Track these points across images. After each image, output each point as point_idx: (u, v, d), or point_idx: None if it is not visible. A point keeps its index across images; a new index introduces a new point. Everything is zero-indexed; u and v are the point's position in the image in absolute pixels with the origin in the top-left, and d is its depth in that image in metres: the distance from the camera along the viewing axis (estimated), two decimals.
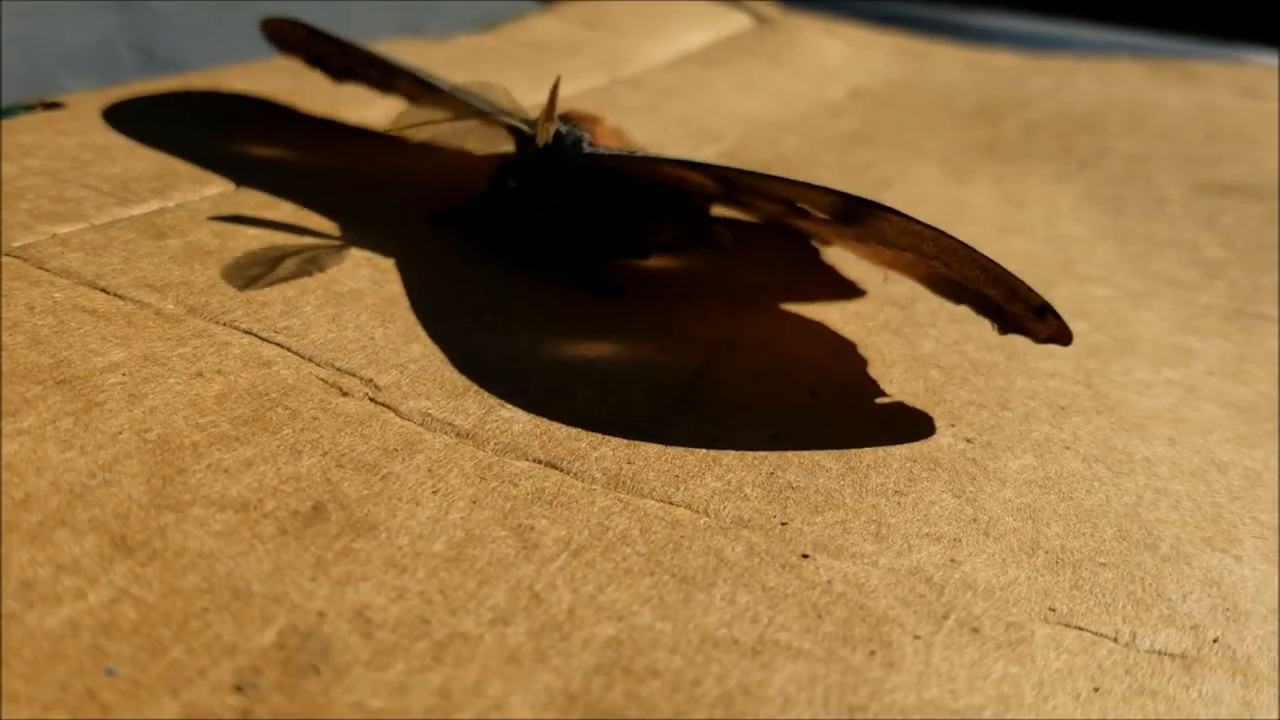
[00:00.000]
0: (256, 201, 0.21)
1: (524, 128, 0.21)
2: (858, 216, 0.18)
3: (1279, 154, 0.35)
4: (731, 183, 0.20)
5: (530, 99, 0.23)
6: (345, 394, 0.16)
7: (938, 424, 0.18)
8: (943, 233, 0.17)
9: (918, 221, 0.18)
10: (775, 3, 0.48)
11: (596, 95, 0.33)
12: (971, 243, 0.17)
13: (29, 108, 0.24)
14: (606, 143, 0.22)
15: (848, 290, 0.22)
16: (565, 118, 0.21)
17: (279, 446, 0.14)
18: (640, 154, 0.21)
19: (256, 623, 0.12)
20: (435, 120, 0.20)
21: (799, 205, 0.19)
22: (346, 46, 0.24)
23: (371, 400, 0.16)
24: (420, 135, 0.20)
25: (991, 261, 0.17)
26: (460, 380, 0.17)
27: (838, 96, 0.39)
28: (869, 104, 0.38)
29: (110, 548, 0.12)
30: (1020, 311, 0.17)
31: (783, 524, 0.15)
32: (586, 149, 0.20)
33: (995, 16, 0.52)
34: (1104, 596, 0.14)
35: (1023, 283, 0.17)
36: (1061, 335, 0.17)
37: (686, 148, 0.30)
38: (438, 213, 0.22)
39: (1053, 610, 0.14)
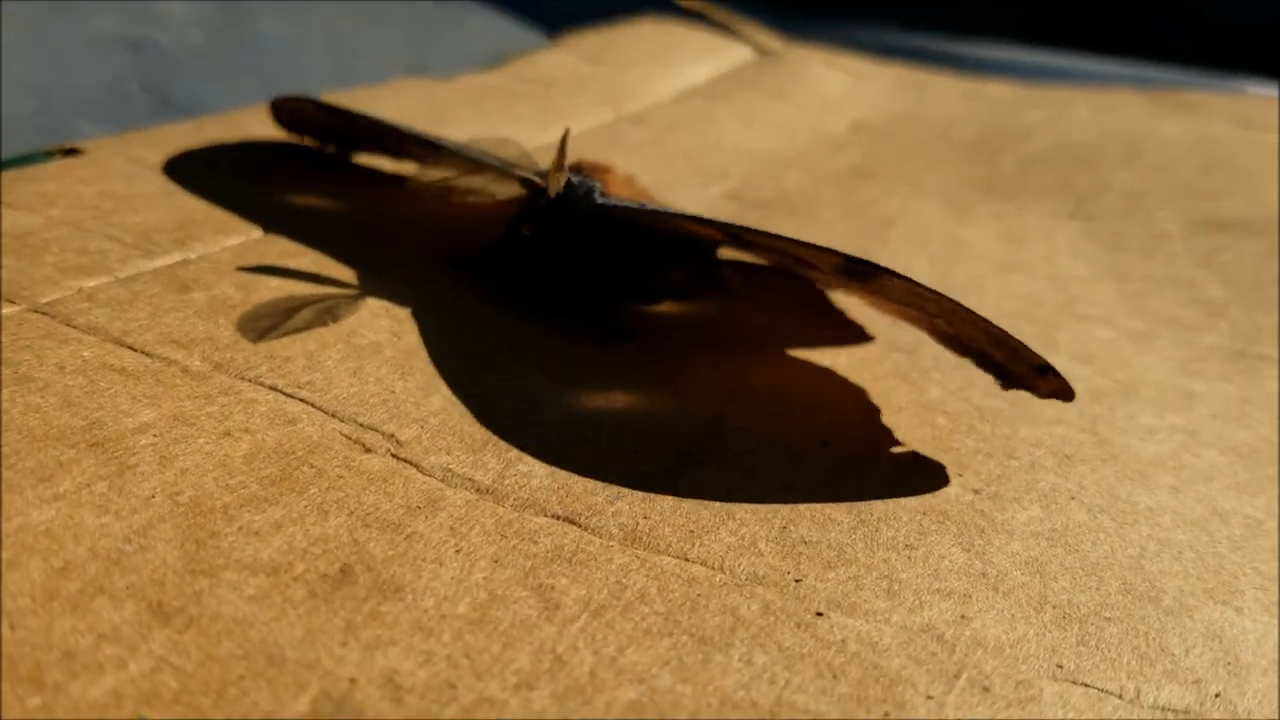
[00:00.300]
0: (277, 251, 0.21)
1: (537, 180, 0.21)
2: (862, 276, 0.19)
3: (1276, 187, 0.36)
4: (740, 240, 0.21)
5: (539, 138, 0.24)
6: (368, 450, 0.16)
7: (946, 474, 0.18)
8: (944, 296, 0.18)
9: (920, 285, 0.18)
10: (777, 35, 0.49)
11: (602, 132, 0.34)
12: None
13: (48, 154, 0.25)
14: (618, 191, 0.22)
15: (855, 334, 0.23)
16: (577, 168, 0.22)
17: (306, 507, 0.15)
18: (651, 208, 0.21)
19: (291, 690, 0.12)
20: (452, 177, 0.21)
21: (806, 260, 0.20)
22: (356, 118, 0.24)
23: (394, 456, 0.16)
24: (436, 191, 0.21)
25: (993, 325, 0.18)
26: (479, 433, 0.17)
27: (839, 129, 0.39)
28: (870, 137, 0.39)
29: (149, 615, 0.12)
30: (1022, 371, 0.18)
31: (796, 580, 0.15)
32: (598, 199, 0.21)
33: (992, 47, 0.53)
34: (1109, 652, 0.15)
35: (1024, 345, 0.18)
36: (1063, 393, 0.18)
37: (692, 186, 0.31)
38: (454, 259, 0.22)
39: (1060, 667, 0.14)
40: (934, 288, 0.18)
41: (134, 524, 0.14)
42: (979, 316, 0.18)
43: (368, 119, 0.24)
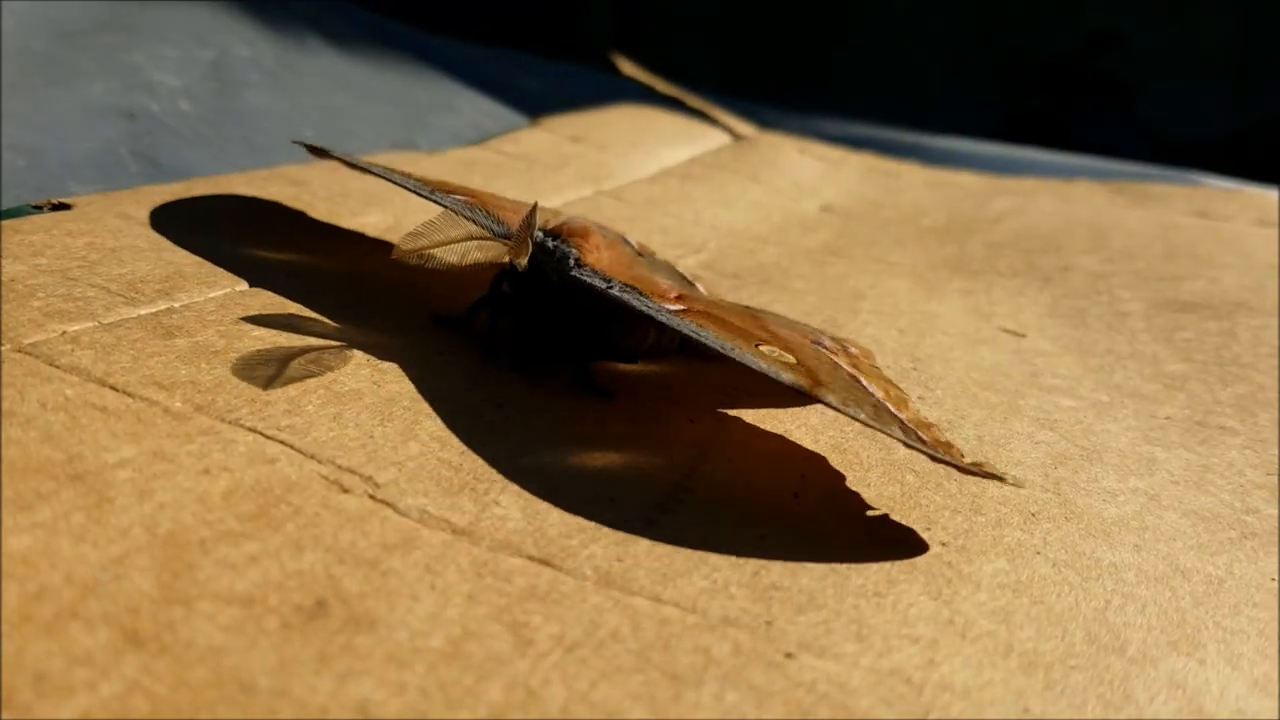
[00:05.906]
0: (261, 303, 0.22)
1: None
2: (806, 398, 0.19)
3: (1234, 272, 0.37)
4: (692, 348, 0.21)
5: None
6: (346, 491, 0.16)
7: (914, 527, 0.18)
8: (876, 427, 0.18)
9: (849, 414, 0.19)
10: (750, 123, 0.51)
11: (582, 206, 0.35)
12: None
13: (37, 208, 0.25)
14: (597, 256, 0.23)
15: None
16: (556, 233, 0.23)
17: (283, 542, 0.15)
18: (616, 293, 0.21)
19: (263, 716, 0.12)
20: (433, 245, 0.21)
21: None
22: (375, 174, 0.25)
23: (371, 497, 0.16)
24: (418, 259, 0.21)
25: (924, 443, 0.19)
26: (456, 478, 0.17)
27: (811, 211, 0.40)
28: (841, 219, 0.40)
29: (122, 640, 0.12)
30: (958, 466, 0.19)
31: (768, 623, 0.15)
32: (572, 268, 0.21)
33: (957, 140, 0.55)
34: (1075, 698, 0.15)
35: (951, 453, 0.19)
36: (993, 478, 0.18)
37: (669, 256, 0.31)
38: (438, 316, 0.23)
39: (1027, 711, 0.14)
40: (864, 420, 0.18)
41: (111, 553, 0.14)
42: (913, 439, 0.18)
43: (389, 177, 0.25)
